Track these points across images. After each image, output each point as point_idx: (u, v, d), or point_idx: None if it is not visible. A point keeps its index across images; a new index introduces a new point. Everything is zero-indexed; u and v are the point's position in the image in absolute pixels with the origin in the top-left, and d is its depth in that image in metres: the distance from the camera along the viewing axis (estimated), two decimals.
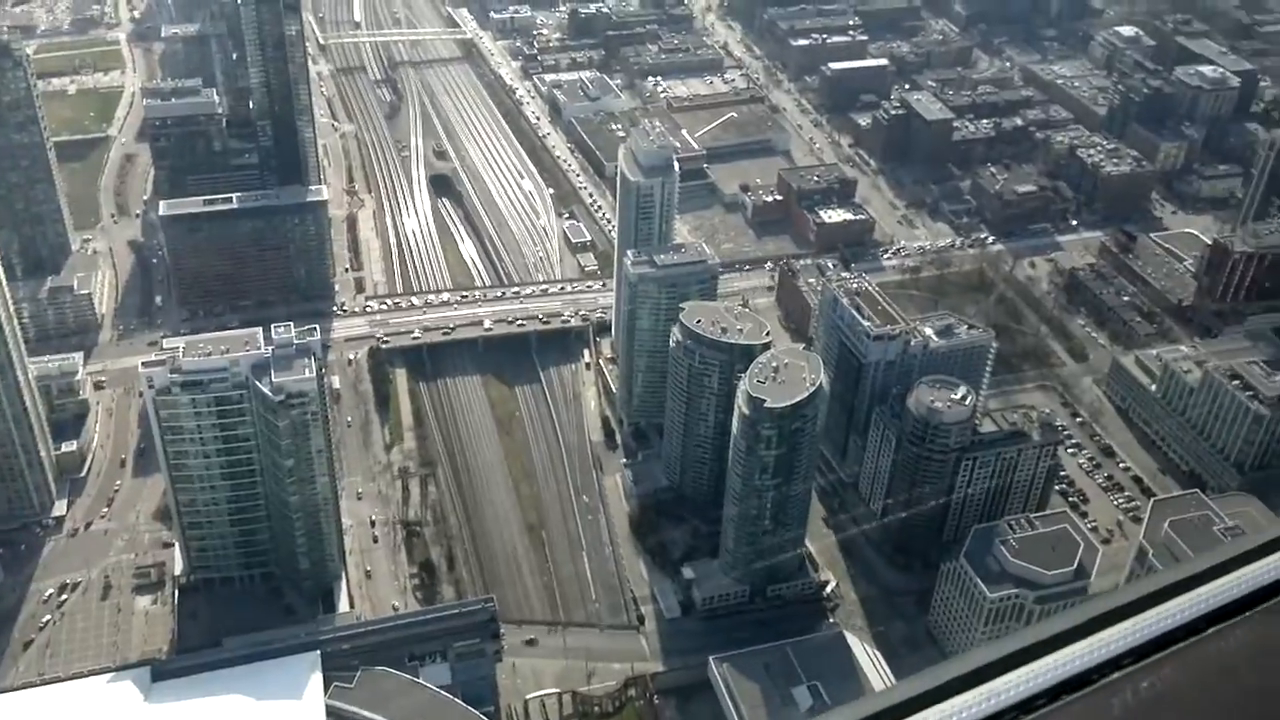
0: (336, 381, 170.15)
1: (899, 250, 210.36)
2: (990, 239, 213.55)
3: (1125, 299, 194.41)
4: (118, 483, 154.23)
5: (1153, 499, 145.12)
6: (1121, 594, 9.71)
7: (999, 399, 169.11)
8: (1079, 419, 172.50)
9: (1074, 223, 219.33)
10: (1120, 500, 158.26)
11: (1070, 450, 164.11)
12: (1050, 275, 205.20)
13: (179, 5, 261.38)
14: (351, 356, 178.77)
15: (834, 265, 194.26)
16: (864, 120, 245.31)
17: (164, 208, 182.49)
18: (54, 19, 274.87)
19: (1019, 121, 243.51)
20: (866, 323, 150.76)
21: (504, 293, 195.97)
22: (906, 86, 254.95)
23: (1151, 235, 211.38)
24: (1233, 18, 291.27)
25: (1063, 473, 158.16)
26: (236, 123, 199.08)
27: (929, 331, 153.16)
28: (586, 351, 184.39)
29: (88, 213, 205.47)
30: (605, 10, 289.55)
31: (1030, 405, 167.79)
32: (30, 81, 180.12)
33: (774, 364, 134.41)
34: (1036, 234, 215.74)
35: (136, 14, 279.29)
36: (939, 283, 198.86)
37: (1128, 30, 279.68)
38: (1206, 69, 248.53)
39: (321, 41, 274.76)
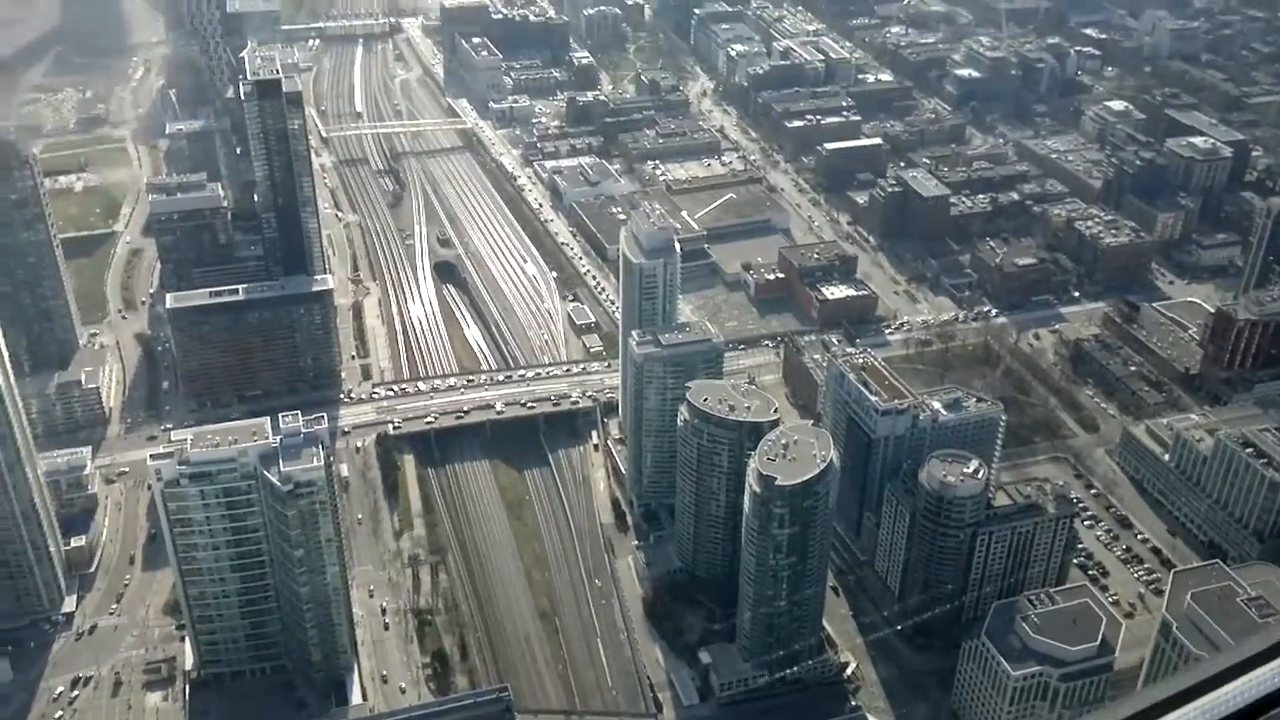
0: (345, 469, 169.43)
1: (903, 325, 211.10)
2: (993, 312, 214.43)
3: (1132, 369, 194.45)
4: (127, 577, 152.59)
5: (1173, 570, 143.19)
6: None
7: (1011, 472, 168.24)
8: (1093, 490, 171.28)
9: (1076, 294, 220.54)
10: (1140, 572, 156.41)
11: (1087, 523, 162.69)
12: (1055, 346, 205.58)
13: (183, 102, 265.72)
14: (359, 444, 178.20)
15: (838, 341, 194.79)
16: (861, 198, 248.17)
17: (170, 300, 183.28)
18: (60, 118, 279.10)
19: (1015, 196, 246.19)
20: (874, 398, 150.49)
21: (510, 376, 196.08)
22: (902, 164, 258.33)
23: (1154, 305, 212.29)
24: (1221, 90, 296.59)
25: (1080, 545, 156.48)
26: (241, 215, 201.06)
27: (937, 405, 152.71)
28: (594, 433, 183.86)
29: (95, 308, 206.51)
30: (603, 98, 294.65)
31: (1043, 478, 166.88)
32: (37, 180, 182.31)
33: (783, 441, 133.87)
34: (1039, 306, 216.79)
35: (141, 112, 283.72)
36: (944, 356, 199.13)
37: (1117, 105, 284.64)
38: (1198, 140, 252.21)
39: (324, 134, 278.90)
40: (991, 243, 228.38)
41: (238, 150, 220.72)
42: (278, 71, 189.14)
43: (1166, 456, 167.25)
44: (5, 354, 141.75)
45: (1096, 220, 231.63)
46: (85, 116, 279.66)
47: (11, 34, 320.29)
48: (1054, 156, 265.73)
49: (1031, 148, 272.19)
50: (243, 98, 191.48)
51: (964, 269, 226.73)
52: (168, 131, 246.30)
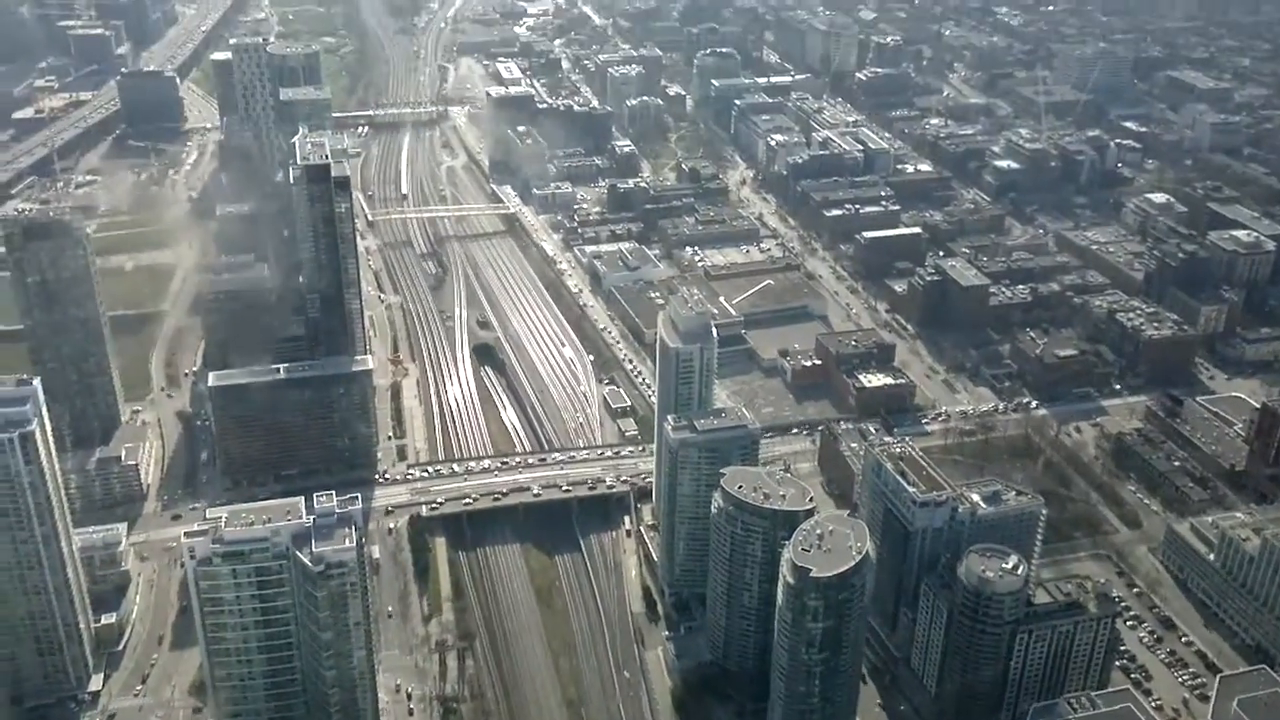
0: (376, 551, 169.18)
1: (941, 414, 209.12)
2: (1033, 403, 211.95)
3: (1176, 464, 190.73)
4: (154, 656, 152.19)
5: (1219, 675, 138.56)
6: None
7: (1052, 568, 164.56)
8: (1136, 589, 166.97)
9: (1117, 387, 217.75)
10: (1185, 676, 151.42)
11: (1129, 623, 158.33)
12: (1097, 440, 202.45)
13: (235, 186, 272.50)
14: (392, 525, 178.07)
15: (876, 430, 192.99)
16: (900, 286, 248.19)
17: (212, 378, 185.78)
18: (115, 199, 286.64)
19: (1055, 286, 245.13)
20: (912, 489, 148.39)
21: (544, 459, 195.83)
22: (941, 253, 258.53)
23: (1198, 399, 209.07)
24: (1264, 184, 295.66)
25: (1123, 647, 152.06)
26: (286, 296, 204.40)
27: (976, 498, 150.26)
28: (627, 518, 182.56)
29: (138, 384, 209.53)
30: (643, 185, 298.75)
31: (1085, 575, 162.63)
32: (89, 258, 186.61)
33: (818, 531, 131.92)
34: (1080, 398, 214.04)
35: (194, 194, 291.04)
36: (984, 448, 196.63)
37: (1159, 197, 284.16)
38: (1241, 234, 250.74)
39: (370, 218, 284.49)
40: (1032, 333, 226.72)
41: (285, 232, 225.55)
42: (327, 157, 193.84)
43: (1211, 556, 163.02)
44: (49, 429, 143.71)
45: (1138, 313, 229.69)
46: (140, 197, 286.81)
47: (76, 116, 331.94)
48: (1094, 248, 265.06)
49: (1072, 239, 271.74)
50: (292, 182, 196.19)
51: (1004, 359, 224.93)
52: (218, 213, 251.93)
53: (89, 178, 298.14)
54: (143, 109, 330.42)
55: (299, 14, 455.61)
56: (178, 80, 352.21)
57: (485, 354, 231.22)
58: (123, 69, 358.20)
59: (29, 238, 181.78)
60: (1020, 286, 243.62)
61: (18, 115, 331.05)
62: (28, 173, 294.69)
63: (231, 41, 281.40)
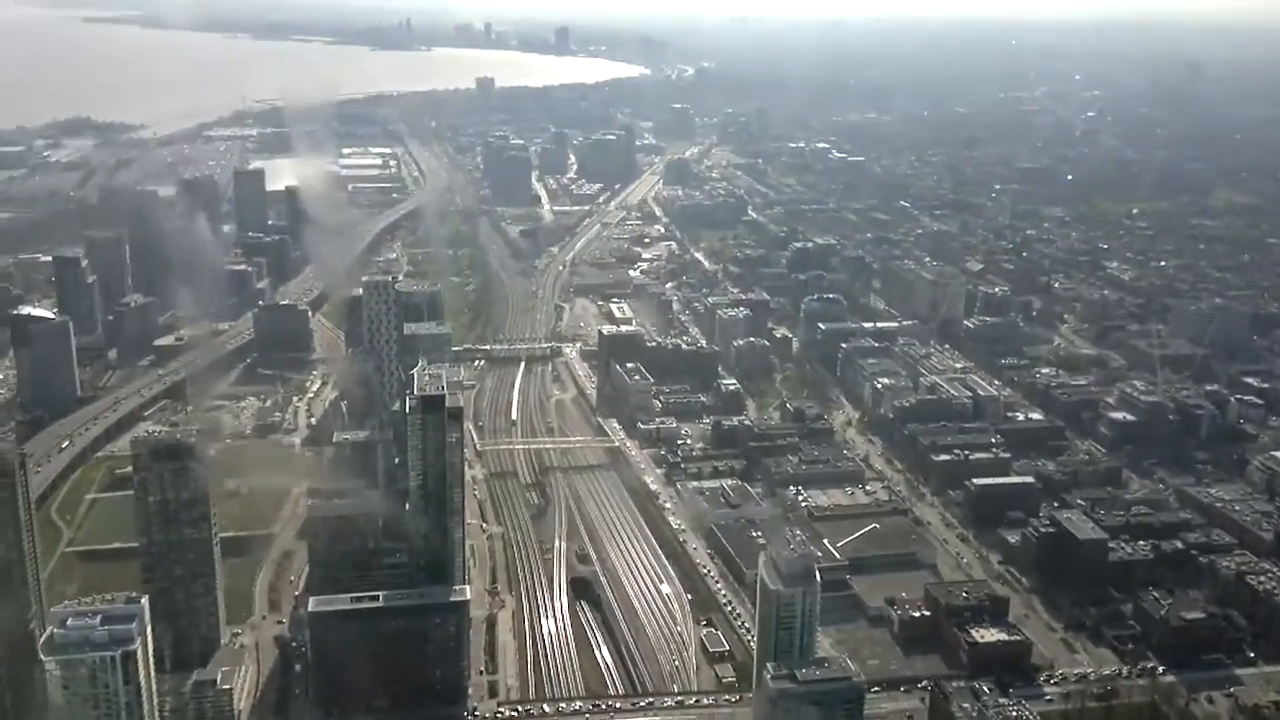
0: None
1: (1060, 676, 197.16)
2: (1160, 669, 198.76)
3: None
4: None
5: None
6: None
7: None
8: None
9: (1251, 654, 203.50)
10: None
11: None
12: (1231, 712, 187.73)
13: (352, 413, 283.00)
14: None
15: (990, 690, 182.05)
16: (1013, 537, 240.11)
17: (312, 604, 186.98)
18: (239, 424, 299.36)
19: (1179, 544, 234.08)
20: None
21: (637, 704, 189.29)
22: (1055, 505, 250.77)
23: None
24: None
25: None
26: (391, 523, 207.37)
27: None
28: None
29: (241, 607, 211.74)
30: (747, 423, 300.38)
31: None
32: (207, 481, 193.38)
33: None
34: (1211, 665, 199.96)
35: (313, 420, 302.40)
36: (1107, 714, 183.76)
37: None
38: None
39: (479, 448, 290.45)
40: (1155, 593, 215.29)
41: (396, 460, 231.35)
42: (443, 388, 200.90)
43: None
44: (150, 648, 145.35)
45: (1270, 576, 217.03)
46: (262, 423, 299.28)
47: (213, 344, 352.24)
48: (1219, 505, 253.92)
49: (1194, 495, 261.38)
50: (408, 411, 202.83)
51: (1126, 619, 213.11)
52: (334, 440, 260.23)
53: (217, 402, 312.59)
54: (275, 339, 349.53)
55: (428, 255, 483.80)
56: (310, 313, 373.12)
57: (582, 588, 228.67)
58: (260, 301, 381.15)
59: (155, 459, 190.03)
60: (1141, 543, 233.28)
61: (159, 342, 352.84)
62: (162, 396, 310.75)
63: (363, 279, 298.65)
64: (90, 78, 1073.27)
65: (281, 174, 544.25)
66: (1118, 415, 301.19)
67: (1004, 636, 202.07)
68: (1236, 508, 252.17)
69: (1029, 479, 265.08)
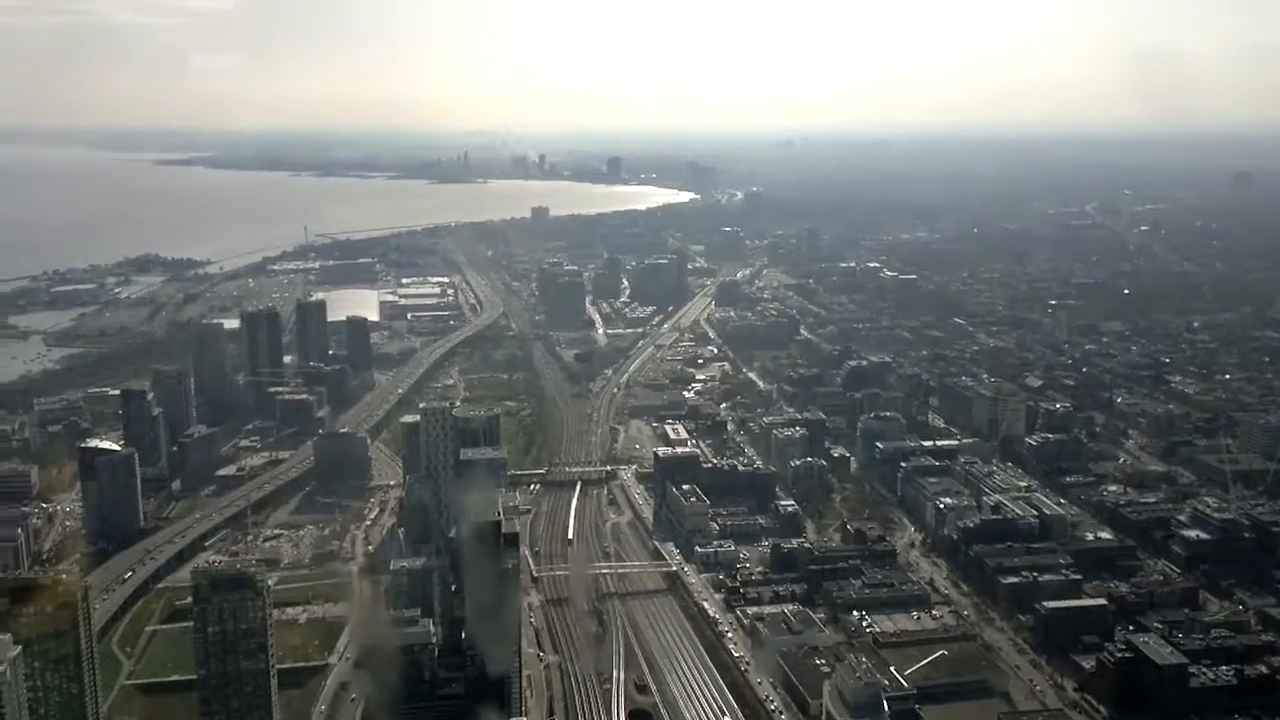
0: None
1: None
2: None
3: None
4: None
5: None
6: None
7: None
8: None
9: None
10: None
11: None
12: None
13: (410, 541, 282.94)
14: None
15: None
16: (1088, 663, 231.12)
17: None
18: (298, 553, 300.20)
19: (1263, 669, 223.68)
20: None
21: None
22: (1130, 628, 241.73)
23: None
24: None
25: None
26: (447, 651, 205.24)
27: None
28: None
29: None
30: (807, 545, 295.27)
31: None
32: (267, 611, 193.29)
33: None
34: None
35: (371, 548, 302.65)
36: None
37: None
38: None
39: (535, 574, 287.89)
40: None
41: (453, 587, 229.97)
42: (499, 514, 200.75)
43: None
44: None
45: None
46: (320, 552, 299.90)
47: (273, 474, 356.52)
48: None
49: (1276, 616, 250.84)
50: (464, 537, 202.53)
51: None
52: (392, 568, 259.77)
53: (276, 531, 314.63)
54: (334, 467, 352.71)
55: (484, 380, 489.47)
56: (368, 440, 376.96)
57: None
58: (320, 430, 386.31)
59: (214, 590, 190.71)
60: (1223, 667, 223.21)
61: (220, 472, 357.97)
62: (222, 526, 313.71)
63: (421, 406, 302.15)
64: (160, 216, 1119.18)
65: (343, 304, 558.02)
66: (1191, 533, 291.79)
67: None
68: None
69: (1102, 601, 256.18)
